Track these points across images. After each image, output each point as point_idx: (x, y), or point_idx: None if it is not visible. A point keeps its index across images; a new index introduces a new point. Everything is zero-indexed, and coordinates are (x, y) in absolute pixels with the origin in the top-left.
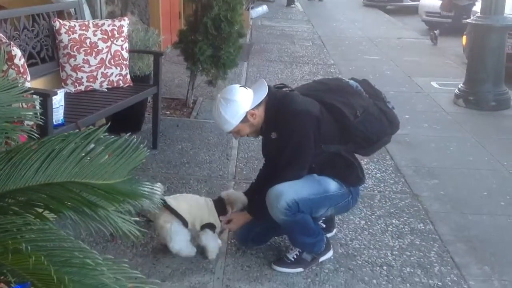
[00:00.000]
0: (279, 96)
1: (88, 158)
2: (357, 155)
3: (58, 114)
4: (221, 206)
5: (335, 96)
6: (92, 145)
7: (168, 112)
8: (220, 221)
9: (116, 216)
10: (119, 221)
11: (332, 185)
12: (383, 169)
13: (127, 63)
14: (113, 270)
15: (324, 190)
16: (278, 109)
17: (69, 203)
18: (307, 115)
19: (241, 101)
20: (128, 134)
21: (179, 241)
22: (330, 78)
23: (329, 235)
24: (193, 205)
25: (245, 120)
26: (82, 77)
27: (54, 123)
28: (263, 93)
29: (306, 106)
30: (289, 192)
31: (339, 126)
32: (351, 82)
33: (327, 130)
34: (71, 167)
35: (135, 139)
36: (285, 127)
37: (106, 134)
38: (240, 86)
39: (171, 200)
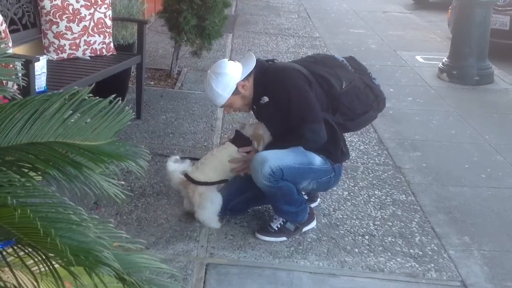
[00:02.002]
0: (266, 64)
1: (72, 120)
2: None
3: (40, 81)
4: (241, 139)
5: (322, 67)
6: (70, 111)
7: (152, 83)
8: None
9: (102, 179)
10: (105, 184)
11: (316, 159)
12: (366, 142)
13: (111, 31)
14: (98, 229)
15: (308, 162)
16: (265, 73)
17: (54, 163)
18: (291, 70)
19: (231, 73)
20: (113, 96)
21: (206, 213)
22: (318, 53)
23: (312, 205)
24: (218, 166)
25: (236, 92)
26: (64, 45)
27: (37, 90)
28: (252, 64)
29: (289, 65)
30: (274, 158)
31: (327, 96)
32: (337, 56)
33: (316, 96)
34: (55, 127)
35: (120, 101)
36: (276, 86)
37: (91, 95)
38: (228, 60)
39: (195, 172)
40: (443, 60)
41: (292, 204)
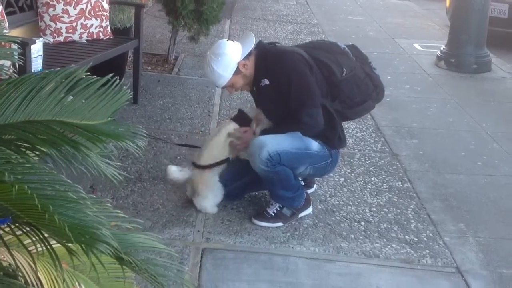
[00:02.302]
0: (268, 47)
1: (69, 98)
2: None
3: (37, 64)
4: (243, 119)
5: (323, 53)
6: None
7: (149, 68)
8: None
9: (99, 159)
10: (102, 165)
11: (314, 145)
12: (363, 129)
13: (108, 14)
14: (95, 208)
15: (306, 147)
16: (266, 55)
17: (52, 142)
18: (292, 53)
19: (231, 53)
20: (110, 76)
21: (206, 201)
22: (320, 39)
23: (309, 191)
24: (219, 144)
25: (237, 71)
26: (61, 28)
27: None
28: (251, 43)
29: (291, 49)
30: (272, 143)
31: (327, 83)
32: (340, 43)
33: (316, 81)
34: (51, 106)
35: (118, 80)
36: (277, 69)
37: (88, 74)
38: (227, 40)
39: (198, 157)
40: (441, 48)
41: (289, 189)
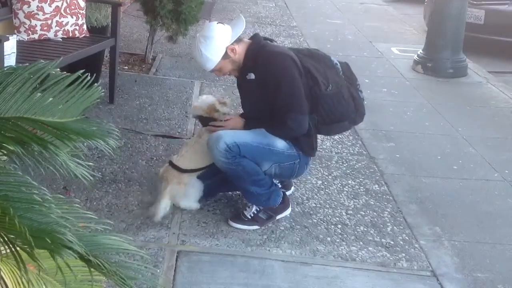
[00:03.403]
0: (263, 42)
1: (38, 95)
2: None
3: (10, 62)
4: (207, 120)
5: (314, 63)
6: (35, 86)
7: (126, 68)
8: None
9: (68, 158)
10: (72, 164)
11: (279, 143)
12: None
13: (84, 12)
14: (63, 209)
15: (268, 143)
16: (258, 51)
17: (18, 139)
18: (286, 57)
19: (220, 36)
20: (81, 71)
21: (190, 200)
22: (315, 49)
23: (287, 193)
24: (203, 151)
25: (226, 56)
26: (36, 25)
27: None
28: (241, 27)
29: (286, 51)
30: (229, 135)
31: (309, 93)
32: (333, 58)
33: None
34: (19, 102)
35: (89, 77)
36: (268, 69)
37: (58, 69)
38: (218, 23)
39: (180, 160)
40: (418, 52)
41: (260, 186)
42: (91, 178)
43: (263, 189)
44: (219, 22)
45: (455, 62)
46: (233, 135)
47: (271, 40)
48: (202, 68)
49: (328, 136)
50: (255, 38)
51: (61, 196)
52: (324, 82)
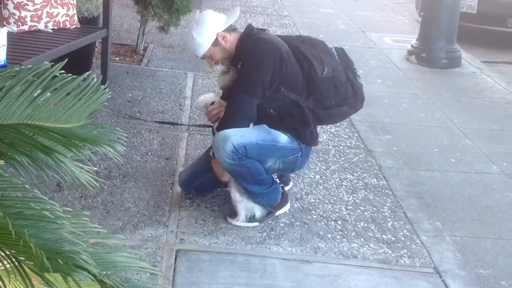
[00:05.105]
0: (254, 31)
1: (42, 99)
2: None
3: (0, 55)
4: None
5: (309, 48)
6: (40, 90)
7: (117, 59)
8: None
9: (73, 165)
10: (77, 171)
11: (282, 137)
12: (337, 124)
13: (74, 2)
14: (72, 224)
15: (273, 139)
16: (248, 39)
17: (22, 148)
18: (270, 44)
19: (212, 22)
20: (87, 73)
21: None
22: (308, 35)
23: (286, 188)
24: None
25: (216, 42)
26: (25, 16)
27: None
28: (234, 16)
29: (272, 39)
30: (236, 135)
31: (305, 78)
32: (327, 43)
33: (291, 75)
34: (23, 107)
35: (95, 79)
36: (247, 53)
37: (63, 72)
38: (213, 11)
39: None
40: (412, 43)
41: (262, 184)
42: (97, 185)
43: (264, 187)
44: (215, 11)
45: (449, 53)
46: (240, 135)
47: (264, 30)
48: (194, 55)
49: (327, 127)
50: (247, 28)
51: (69, 209)
52: (319, 66)
